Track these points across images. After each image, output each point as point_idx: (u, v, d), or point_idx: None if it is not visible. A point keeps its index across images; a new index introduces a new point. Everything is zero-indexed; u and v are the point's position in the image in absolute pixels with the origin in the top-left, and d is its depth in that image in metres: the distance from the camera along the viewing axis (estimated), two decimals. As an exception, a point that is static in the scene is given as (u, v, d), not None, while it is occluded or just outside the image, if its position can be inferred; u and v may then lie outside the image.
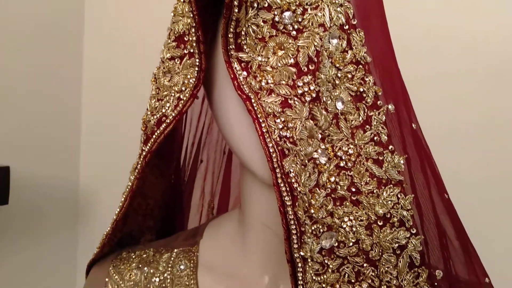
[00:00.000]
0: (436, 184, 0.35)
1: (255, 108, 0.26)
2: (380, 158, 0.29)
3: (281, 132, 0.26)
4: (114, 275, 0.43)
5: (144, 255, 0.44)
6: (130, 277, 0.42)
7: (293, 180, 0.26)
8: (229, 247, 0.42)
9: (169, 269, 0.42)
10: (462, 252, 0.36)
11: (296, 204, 0.27)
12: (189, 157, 0.48)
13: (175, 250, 0.44)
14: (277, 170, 0.26)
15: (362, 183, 0.29)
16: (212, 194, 0.52)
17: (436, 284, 0.30)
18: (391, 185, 0.30)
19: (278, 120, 0.26)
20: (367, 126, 0.29)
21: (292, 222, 0.27)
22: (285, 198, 0.26)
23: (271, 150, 0.26)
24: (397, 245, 0.29)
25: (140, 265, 0.43)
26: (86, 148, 0.92)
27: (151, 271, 0.42)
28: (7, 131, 0.80)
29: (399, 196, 0.30)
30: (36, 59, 0.82)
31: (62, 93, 0.89)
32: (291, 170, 0.26)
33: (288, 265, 0.27)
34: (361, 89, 0.29)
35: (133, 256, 0.44)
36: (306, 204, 0.27)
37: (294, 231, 0.27)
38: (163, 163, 0.44)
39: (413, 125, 0.33)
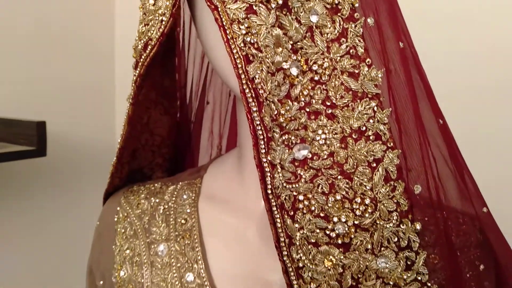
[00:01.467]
0: (431, 109, 0.34)
1: (221, 16, 0.27)
2: (356, 71, 0.29)
3: (245, 37, 0.27)
4: (125, 204, 0.46)
5: (152, 188, 0.47)
6: (139, 206, 0.45)
7: (258, 86, 0.27)
8: (228, 179, 0.43)
9: (173, 199, 0.45)
10: (454, 179, 0.35)
11: (263, 110, 0.27)
12: (194, 97, 0.50)
13: (180, 183, 0.46)
14: (242, 76, 0.27)
15: (337, 97, 0.29)
16: (220, 135, 0.54)
17: (413, 199, 0.30)
18: (367, 99, 0.29)
19: (242, 26, 0.27)
20: (343, 39, 0.29)
21: (258, 128, 0.27)
22: (251, 104, 0.27)
23: (235, 56, 0.27)
24: (372, 158, 0.30)
25: (148, 196, 0.46)
26: (121, 109, 0.97)
27: (157, 200, 0.45)
28: (44, 88, 0.86)
29: (375, 109, 0.29)
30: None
31: (96, 50, 0.94)
32: (256, 76, 0.27)
33: (258, 171, 0.28)
34: (337, 1, 0.29)
35: (142, 189, 0.47)
36: (275, 113, 0.28)
37: (261, 137, 0.28)
38: (167, 100, 0.46)
39: (400, 44, 0.32)
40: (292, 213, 0.29)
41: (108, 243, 0.45)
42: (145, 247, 0.43)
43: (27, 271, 0.86)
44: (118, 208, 0.46)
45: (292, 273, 0.30)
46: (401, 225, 0.30)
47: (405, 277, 0.30)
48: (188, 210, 0.43)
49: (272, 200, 0.29)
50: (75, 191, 0.91)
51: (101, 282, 0.47)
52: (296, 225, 0.30)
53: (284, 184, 0.29)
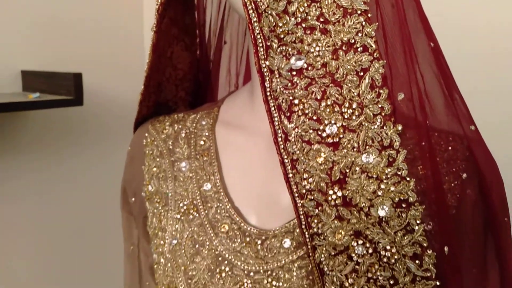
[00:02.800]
0: (424, 32, 0.38)
1: None
2: None
3: None
4: (152, 130, 0.52)
5: (176, 117, 0.53)
6: (164, 131, 0.52)
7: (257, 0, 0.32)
8: (241, 108, 0.49)
9: (194, 125, 0.51)
10: (442, 95, 0.39)
11: (262, 21, 0.32)
12: (213, 36, 0.55)
13: (200, 112, 0.52)
14: None
15: (330, 13, 0.34)
16: (236, 74, 0.59)
17: (396, 104, 0.34)
18: (356, 15, 0.33)
19: None
20: None
21: (258, 36, 0.32)
22: (252, 15, 0.32)
23: None
24: (360, 67, 0.34)
25: (172, 123, 0.52)
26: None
27: (180, 127, 0.51)
28: (80, 41, 0.94)
29: (363, 24, 0.33)
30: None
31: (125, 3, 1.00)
32: None
33: (258, 76, 0.33)
34: None
35: (167, 118, 0.53)
36: (273, 25, 0.33)
37: (260, 45, 0.32)
38: (188, 37, 0.52)
39: None
40: (288, 114, 0.34)
41: (138, 165, 0.52)
42: (169, 165, 0.49)
43: (63, 217, 0.95)
44: (146, 134, 0.52)
45: (288, 164, 0.35)
46: (384, 127, 0.34)
47: (386, 171, 0.35)
48: (206, 133, 0.49)
49: (271, 102, 0.34)
50: (110, 139, 0.99)
51: (133, 199, 0.54)
52: (292, 125, 0.35)
53: (282, 89, 0.34)
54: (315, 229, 0.36)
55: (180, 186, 0.47)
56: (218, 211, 0.44)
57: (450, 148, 0.41)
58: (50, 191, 0.93)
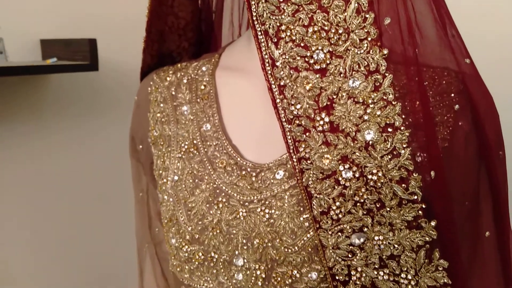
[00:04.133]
0: None
1: None
2: None
3: None
4: (156, 79, 0.54)
5: (179, 66, 0.55)
6: (167, 79, 0.53)
7: None
8: (240, 54, 0.50)
9: (195, 71, 0.52)
10: (434, 25, 0.39)
11: None
12: (214, -15, 0.56)
13: (202, 60, 0.54)
14: None
15: None
16: (239, 26, 0.60)
17: (382, 28, 0.35)
18: None
19: None
20: None
21: None
22: None
23: None
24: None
25: (175, 71, 0.54)
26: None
27: (182, 74, 0.53)
28: (94, 8, 0.96)
29: None
30: None
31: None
32: None
33: (245, 2, 0.35)
34: None
35: (171, 67, 0.55)
36: None
37: None
38: (189, -14, 0.53)
39: None
40: (275, 40, 0.35)
41: (144, 112, 0.54)
42: (172, 109, 0.51)
43: (75, 178, 0.99)
44: (151, 83, 0.54)
45: (275, 90, 0.36)
46: (370, 51, 0.35)
47: (373, 96, 0.35)
48: (207, 78, 0.51)
49: (257, 26, 0.35)
50: (124, 104, 1.02)
51: (140, 147, 0.57)
52: (279, 51, 0.36)
53: (269, 15, 0.35)
54: (302, 154, 0.37)
55: (182, 128, 0.49)
56: (217, 148, 0.46)
57: (444, 82, 0.41)
58: (66, 152, 0.98)
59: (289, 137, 0.37)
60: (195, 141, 0.48)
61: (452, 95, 0.40)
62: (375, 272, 0.37)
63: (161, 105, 0.52)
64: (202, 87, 0.51)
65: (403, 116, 0.36)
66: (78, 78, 0.97)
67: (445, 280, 0.37)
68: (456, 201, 0.41)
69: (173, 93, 0.52)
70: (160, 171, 0.50)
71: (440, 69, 0.41)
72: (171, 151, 0.49)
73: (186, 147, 0.48)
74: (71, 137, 0.98)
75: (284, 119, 0.37)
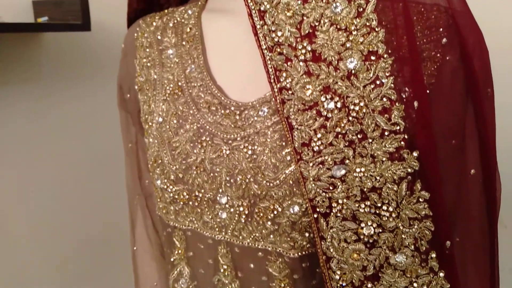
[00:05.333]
0: None
1: None
2: None
3: None
4: (143, 25, 0.53)
5: (166, 11, 0.53)
6: (153, 24, 0.52)
7: None
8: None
9: (182, 15, 0.51)
10: None
11: None
12: None
13: (189, 4, 0.53)
14: None
15: None
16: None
17: None
18: None
19: None
20: None
21: None
22: None
23: None
24: None
25: (161, 16, 0.53)
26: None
27: (168, 18, 0.52)
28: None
29: None
30: None
31: None
32: None
33: None
34: None
35: (158, 13, 0.54)
36: None
37: None
38: None
39: None
40: None
41: (131, 59, 0.54)
42: (157, 53, 0.50)
43: (66, 133, 0.99)
44: (137, 29, 0.53)
45: (255, 15, 0.35)
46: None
47: (355, 22, 0.34)
48: (193, 21, 0.50)
49: None
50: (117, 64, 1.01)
51: (128, 95, 0.56)
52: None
53: None
54: (283, 83, 0.36)
55: (167, 71, 0.49)
56: (201, 89, 0.45)
57: (433, 17, 0.40)
58: (59, 111, 0.97)
59: (270, 66, 0.36)
60: (179, 83, 0.47)
61: (441, 29, 0.39)
62: (356, 205, 0.37)
63: (147, 50, 0.51)
64: (188, 29, 0.50)
65: (389, 51, 0.35)
66: (71, 38, 0.96)
67: (426, 212, 0.36)
68: (442, 138, 0.40)
69: (159, 37, 0.51)
70: (146, 116, 0.50)
71: (429, 5, 0.40)
72: (156, 95, 0.49)
73: (170, 89, 0.47)
74: (66, 96, 0.97)
75: (264, 47, 0.36)
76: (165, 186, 0.46)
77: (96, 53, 0.99)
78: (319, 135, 0.36)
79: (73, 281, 1.03)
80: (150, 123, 0.49)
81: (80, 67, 0.98)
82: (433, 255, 0.37)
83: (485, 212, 0.44)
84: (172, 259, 0.52)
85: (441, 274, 0.37)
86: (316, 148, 0.37)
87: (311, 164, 0.37)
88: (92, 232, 1.07)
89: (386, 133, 0.36)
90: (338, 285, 0.38)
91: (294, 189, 0.39)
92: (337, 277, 0.38)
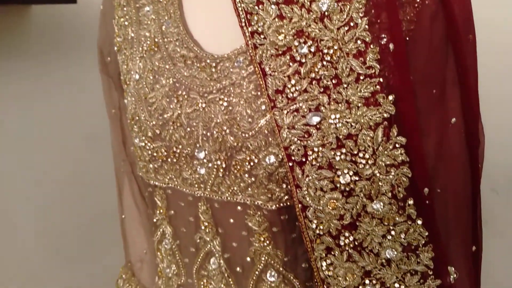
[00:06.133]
0: None
1: None
2: None
3: None
4: None
5: None
6: None
7: None
8: None
9: None
10: None
11: None
12: None
13: None
14: None
15: None
16: None
17: None
18: None
19: None
20: None
21: None
22: None
23: None
24: None
25: None
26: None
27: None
28: None
29: None
30: None
31: None
32: None
33: None
34: None
35: None
36: None
37: None
38: None
39: None
40: None
41: (110, 20, 0.52)
42: (135, 11, 0.49)
43: (55, 102, 0.98)
44: None
45: None
46: None
47: None
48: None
49: None
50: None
51: (109, 59, 0.55)
52: None
53: None
54: (255, 27, 0.35)
55: (144, 29, 0.48)
56: (177, 44, 0.44)
57: None
58: (43, 82, 0.96)
59: (240, 9, 0.35)
60: (156, 39, 0.46)
61: None
62: (332, 153, 0.36)
63: (125, 8, 0.50)
64: None
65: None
66: (58, 10, 0.95)
67: (403, 158, 0.36)
68: (421, 87, 0.39)
69: None
70: (125, 76, 0.49)
71: None
72: (133, 53, 0.48)
73: (147, 46, 0.46)
74: (53, 68, 0.96)
75: (234, -11, 0.35)
76: (143, 144, 0.45)
77: (82, 25, 0.98)
78: (293, 81, 0.36)
79: (73, 260, 1.04)
80: (128, 82, 0.48)
81: (67, 39, 0.97)
82: (411, 202, 0.36)
83: (468, 165, 0.43)
84: (155, 220, 0.52)
85: (419, 222, 0.37)
86: (290, 95, 0.36)
87: (285, 112, 0.36)
88: (92, 209, 1.07)
89: (361, 77, 0.35)
90: (315, 234, 0.38)
91: (270, 139, 0.38)
92: (314, 226, 0.38)
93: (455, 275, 0.41)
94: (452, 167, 0.42)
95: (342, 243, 0.38)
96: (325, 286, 0.38)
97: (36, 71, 0.94)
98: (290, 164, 0.37)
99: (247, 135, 0.39)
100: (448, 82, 0.40)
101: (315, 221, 0.37)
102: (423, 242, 0.37)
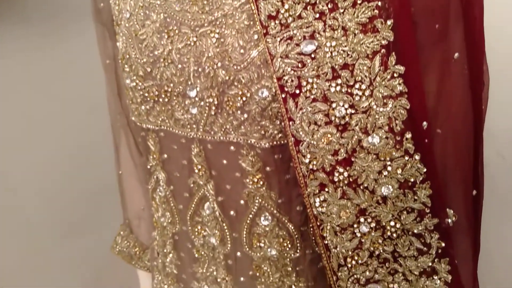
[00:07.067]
0: None
1: None
2: None
3: None
4: None
5: None
6: None
7: None
8: None
9: None
10: None
11: None
12: None
13: None
14: None
15: None
16: None
17: None
18: None
19: None
20: None
21: None
22: None
23: None
24: None
25: None
26: None
27: None
28: None
29: None
30: None
31: None
32: None
33: None
34: None
35: None
36: None
37: None
38: None
39: None
40: None
41: None
42: None
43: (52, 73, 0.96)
44: None
45: None
46: None
47: None
48: None
49: None
50: None
51: (102, 5, 0.53)
52: None
53: None
54: None
55: None
56: None
57: None
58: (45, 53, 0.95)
59: None
60: None
61: None
62: (327, 84, 0.35)
63: None
64: None
65: None
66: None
67: (401, 88, 0.34)
68: (423, 20, 0.37)
69: None
70: (116, 18, 0.48)
71: None
72: None
73: None
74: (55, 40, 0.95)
75: None
76: (135, 84, 0.44)
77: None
78: (286, 6, 0.34)
79: (76, 228, 1.04)
80: (119, 22, 0.47)
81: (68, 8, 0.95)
82: (408, 136, 0.35)
83: (470, 107, 0.41)
84: (148, 166, 0.51)
85: (417, 157, 0.35)
86: (283, 21, 0.34)
87: (278, 39, 0.35)
88: (94, 181, 1.06)
89: (359, 1, 0.33)
90: (308, 169, 0.37)
91: (262, 71, 0.36)
92: (307, 161, 0.36)
93: (453, 218, 0.40)
94: (453, 108, 0.40)
95: (336, 180, 0.36)
96: (318, 223, 0.37)
97: (37, 39, 0.92)
98: (283, 95, 0.35)
99: (239, 67, 0.37)
100: (451, 18, 0.38)
101: (308, 156, 0.36)
102: (421, 178, 0.36)
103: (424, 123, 0.36)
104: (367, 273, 0.38)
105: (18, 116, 0.94)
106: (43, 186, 0.99)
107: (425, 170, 0.36)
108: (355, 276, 0.38)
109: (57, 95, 0.97)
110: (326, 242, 0.37)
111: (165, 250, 0.54)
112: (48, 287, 0.99)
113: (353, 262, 0.38)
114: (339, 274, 0.38)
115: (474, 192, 0.42)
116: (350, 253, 0.38)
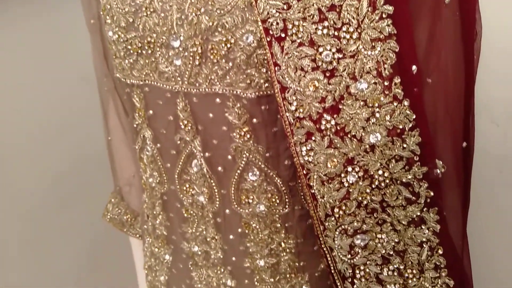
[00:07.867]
0: None
1: None
2: None
3: None
4: None
5: None
6: None
7: None
8: None
9: None
10: None
11: None
12: None
13: None
14: None
15: None
16: None
17: None
18: None
19: None
20: None
21: None
22: None
23: None
24: None
25: None
26: None
27: None
28: None
29: None
30: None
31: None
32: None
33: None
34: None
35: None
36: None
37: None
38: None
39: None
40: None
41: None
42: None
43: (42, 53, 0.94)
44: None
45: None
46: None
47: None
48: None
49: None
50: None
51: None
52: None
53: None
54: None
55: None
56: None
57: None
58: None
59: None
60: None
61: None
62: (314, 27, 0.33)
63: None
64: None
65: None
66: None
67: (390, 30, 0.33)
68: None
69: None
70: None
71: None
72: None
73: None
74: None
75: None
76: (117, 36, 0.42)
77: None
78: None
79: (67, 197, 1.04)
80: None
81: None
82: (397, 81, 0.34)
83: (462, 58, 0.40)
84: (135, 125, 0.50)
85: (406, 103, 0.35)
86: None
87: None
88: (88, 147, 1.05)
89: None
90: (295, 117, 0.36)
91: (247, 15, 0.35)
92: (293, 108, 0.35)
93: (442, 169, 0.39)
94: (444, 56, 0.39)
95: (323, 128, 0.36)
96: (304, 172, 0.37)
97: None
98: (268, 39, 0.34)
99: (222, 12, 0.36)
100: None
101: (294, 104, 0.35)
102: (410, 126, 0.35)
103: (414, 67, 0.35)
104: (355, 223, 0.37)
105: (7, 85, 0.92)
106: (33, 157, 0.98)
107: (414, 116, 0.35)
108: (342, 226, 0.38)
109: (45, 63, 0.95)
110: (313, 191, 0.37)
111: (154, 212, 0.53)
112: (42, 258, 1.00)
113: (341, 212, 0.37)
114: (326, 224, 0.38)
115: (464, 144, 0.41)
116: (337, 203, 0.37)
